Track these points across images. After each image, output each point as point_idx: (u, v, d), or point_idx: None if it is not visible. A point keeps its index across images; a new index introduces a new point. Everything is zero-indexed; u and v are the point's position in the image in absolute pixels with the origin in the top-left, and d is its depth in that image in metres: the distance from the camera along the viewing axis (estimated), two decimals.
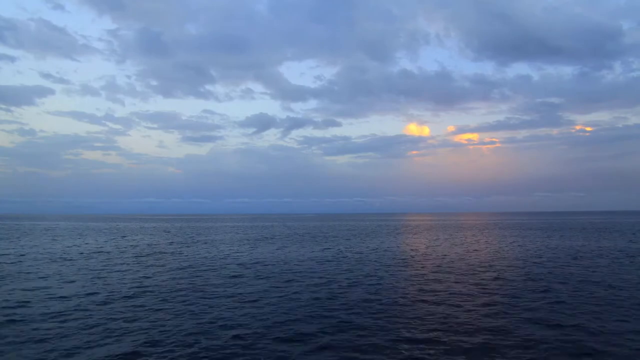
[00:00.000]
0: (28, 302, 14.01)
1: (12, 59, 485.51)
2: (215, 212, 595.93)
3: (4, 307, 13.20)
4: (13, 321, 11.62)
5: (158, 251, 31.64)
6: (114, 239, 46.39)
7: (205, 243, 40.08)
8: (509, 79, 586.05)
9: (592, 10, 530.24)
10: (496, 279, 18.30)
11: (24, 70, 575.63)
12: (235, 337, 10.31)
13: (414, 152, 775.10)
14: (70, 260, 25.98)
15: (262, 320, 11.83)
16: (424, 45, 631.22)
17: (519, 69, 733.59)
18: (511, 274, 19.46)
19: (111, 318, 11.97)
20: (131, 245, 36.89)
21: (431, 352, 9.20)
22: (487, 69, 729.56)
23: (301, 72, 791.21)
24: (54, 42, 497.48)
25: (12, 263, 24.25)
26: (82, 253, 30.13)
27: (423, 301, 14.07)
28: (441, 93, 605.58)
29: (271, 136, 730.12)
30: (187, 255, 28.57)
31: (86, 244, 38.84)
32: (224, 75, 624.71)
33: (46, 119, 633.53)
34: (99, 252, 31.08)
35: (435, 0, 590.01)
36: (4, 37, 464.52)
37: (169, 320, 11.81)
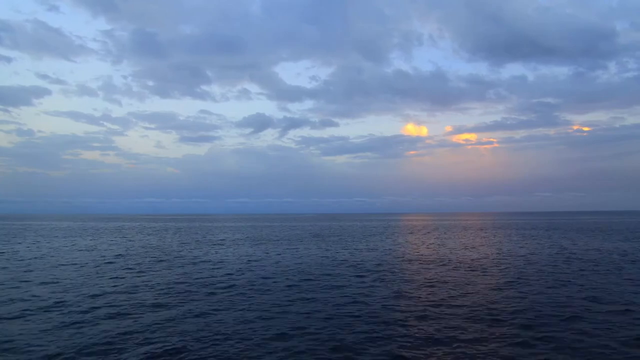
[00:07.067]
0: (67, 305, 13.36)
1: (8, 60, 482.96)
2: (215, 212, 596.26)
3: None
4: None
5: (183, 254, 30.98)
6: (125, 239, 45.73)
7: (218, 245, 39.42)
8: (504, 80, 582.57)
9: (584, 11, 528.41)
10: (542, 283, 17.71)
11: (21, 71, 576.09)
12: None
13: (412, 152, 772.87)
14: (86, 264, 25.33)
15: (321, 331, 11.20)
16: (418, 46, 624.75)
17: (514, 69, 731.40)
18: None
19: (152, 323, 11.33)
20: (142, 247, 36.22)
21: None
22: (482, 69, 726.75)
23: (297, 72, 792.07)
24: (50, 42, 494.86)
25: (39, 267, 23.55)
26: (99, 256, 29.47)
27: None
28: (437, 93, 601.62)
29: (269, 136, 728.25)
30: (208, 258, 27.93)
31: (99, 245, 38.19)
32: (220, 76, 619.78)
33: (44, 120, 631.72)
34: (116, 254, 30.42)
35: (428, 1, 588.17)
36: (0, 38, 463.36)
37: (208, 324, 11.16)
